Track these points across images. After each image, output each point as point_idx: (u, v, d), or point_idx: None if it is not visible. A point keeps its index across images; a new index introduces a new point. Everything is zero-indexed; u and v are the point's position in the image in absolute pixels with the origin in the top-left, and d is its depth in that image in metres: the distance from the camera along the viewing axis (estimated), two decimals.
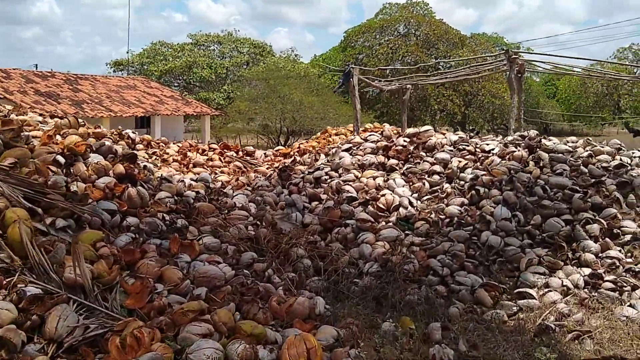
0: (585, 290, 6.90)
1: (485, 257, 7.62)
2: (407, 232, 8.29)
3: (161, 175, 8.08)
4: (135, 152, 8.12)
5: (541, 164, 9.31)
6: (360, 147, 10.56)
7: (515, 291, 6.91)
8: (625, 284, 6.85)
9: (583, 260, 7.34)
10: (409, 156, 10.09)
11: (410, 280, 7.28)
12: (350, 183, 9.33)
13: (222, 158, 12.66)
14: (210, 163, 12.14)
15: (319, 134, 17.75)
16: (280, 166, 10.95)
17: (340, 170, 9.90)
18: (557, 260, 7.33)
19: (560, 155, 9.31)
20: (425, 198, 8.99)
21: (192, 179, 8.96)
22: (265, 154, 14.17)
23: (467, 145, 10.13)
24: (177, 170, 11.04)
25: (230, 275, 6.46)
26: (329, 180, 9.66)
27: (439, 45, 42.84)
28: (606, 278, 6.97)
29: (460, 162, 9.60)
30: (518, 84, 14.80)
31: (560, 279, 7.05)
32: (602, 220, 7.84)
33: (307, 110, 35.66)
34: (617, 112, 46.81)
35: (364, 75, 16.42)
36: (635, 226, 7.84)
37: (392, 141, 10.56)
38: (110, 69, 46.73)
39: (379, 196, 8.87)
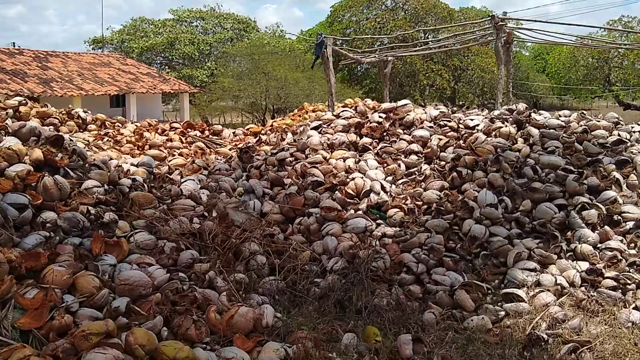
0: (583, 289, 5.90)
1: (467, 250, 6.61)
2: (378, 221, 7.26)
3: (94, 160, 6.97)
4: (61, 134, 6.98)
5: (531, 141, 8.28)
6: (331, 125, 9.46)
7: (502, 292, 5.89)
8: (629, 281, 5.86)
9: (579, 253, 6.33)
10: (384, 134, 9.01)
11: (379, 279, 6.27)
12: (317, 165, 8.25)
13: (183, 138, 11.53)
14: (169, 144, 11.02)
15: (295, 110, 16.62)
16: (242, 146, 9.84)
17: (307, 151, 8.82)
18: (549, 253, 6.32)
19: (552, 131, 8.26)
20: (400, 182, 7.94)
21: (133, 164, 7.86)
22: (234, 132, 13.05)
23: (449, 121, 9.06)
24: (128, 153, 9.93)
25: (162, 279, 5.41)
26: (293, 163, 8.58)
27: (427, 20, 41.53)
28: (607, 274, 5.97)
29: (440, 140, 8.54)
30: (506, 54, 13.70)
31: (553, 275, 6.05)
32: (601, 205, 6.82)
33: (292, 87, 34.48)
34: (607, 85, 45.84)
35: (349, 49, 15.32)
36: (639, 211, 6.83)
37: (367, 117, 9.47)
38: (89, 47, 45.19)
39: (348, 180, 7.80)
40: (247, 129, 13.17)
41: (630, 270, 6.02)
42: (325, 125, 9.52)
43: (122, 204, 6.40)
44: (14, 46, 29.72)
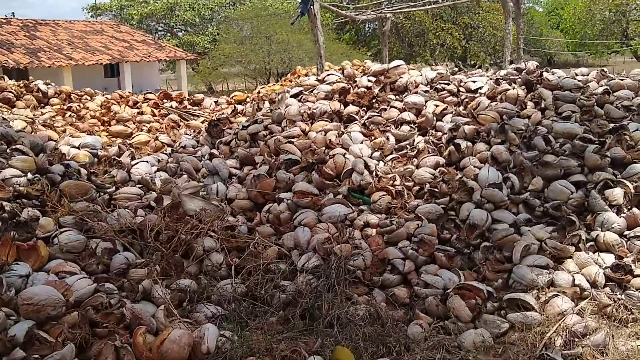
0: (608, 290, 4.77)
1: (465, 241, 5.47)
2: (361, 207, 6.14)
3: (22, 142, 5.86)
4: None
5: (543, 105, 7.05)
6: (314, 92, 8.27)
7: (506, 297, 4.77)
8: None
9: (602, 243, 5.18)
10: (373, 101, 7.81)
11: (358, 281, 5.18)
12: (293, 140, 7.09)
13: (156, 111, 10.39)
14: (138, 118, 9.90)
15: (289, 75, 15.35)
16: (213, 119, 8.67)
17: (283, 123, 7.66)
18: (565, 245, 5.16)
19: (568, 92, 7.01)
20: (389, 157, 6.79)
21: (74, 146, 6.74)
22: (216, 102, 11.88)
23: (448, 84, 7.83)
24: (87, 131, 8.82)
25: (85, 292, 4.37)
26: (267, 137, 7.43)
27: None
28: (637, 271, 4.84)
29: (437, 106, 7.33)
30: (516, 5, 12.31)
31: (570, 273, 4.91)
32: (627, 182, 5.63)
33: (295, 50, 33.08)
34: (624, 40, 43.83)
35: (342, 5, 13.93)
36: None
37: (355, 82, 8.26)
38: (88, 15, 43.82)
39: (327, 158, 6.64)
40: (232, 97, 11.98)
41: None
42: (306, 92, 8.32)
43: (47, 197, 5.32)
44: (14, 16, 28.50)
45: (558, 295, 4.66)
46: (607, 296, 4.66)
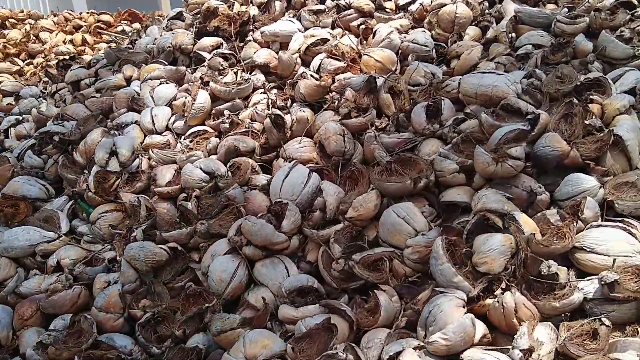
0: None
1: None
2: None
3: None
4: None
5: (492, 33, 3.73)
6: None
7: None
8: None
9: None
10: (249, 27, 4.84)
11: None
12: None
13: (91, 39, 8.17)
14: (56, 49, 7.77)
15: None
16: None
17: None
18: None
19: (539, 10, 3.61)
20: (190, 132, 3.95)
21: None
22: None
23: None
24: None
25: None
26: None
27: None
28: None
29: (311, 37, 4.19)
30: None
31: None
32: (551, 213, 2.47)
33: None
34: None
35: None
36: None
37: None
38: None
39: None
40: None
41: None
42: None
43: None
44: None
45: None
46: None
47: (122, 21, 8.93)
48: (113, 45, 6.83)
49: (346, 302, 2.64)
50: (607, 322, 2.11)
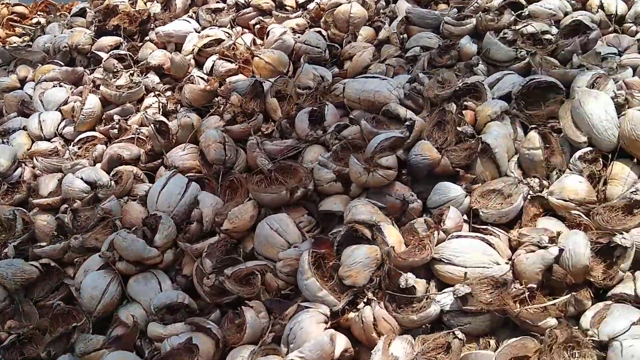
0: None
1: None
2: None
3: None
4: None
5: (384, 34, 3.69)
6: None
7: None
8: None
9: None
10: (150, 26, 4.70)
11: None
12: None
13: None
14: None
15: None
16: None
17: None
18: None
19: (428, 11, 3.58)
20: (78, 138, 3.81)
21: None
22: None
23: None
24: None
25: None
26: None
27: None
28: None
29: (206, 37, 4.09)
30: None
31: None
32: (420, 224, 2.43)
33: None
34: None
35: None
36: None
37: None
38: None
39: None
40: None
41: None
42: None
43: None
44: None
45: None
46: None
47: (37, 13, 8.58)
48: (20, 40, 6.56)
49: (218, 317, 2.57)
50: (460, 335, 2.11)
